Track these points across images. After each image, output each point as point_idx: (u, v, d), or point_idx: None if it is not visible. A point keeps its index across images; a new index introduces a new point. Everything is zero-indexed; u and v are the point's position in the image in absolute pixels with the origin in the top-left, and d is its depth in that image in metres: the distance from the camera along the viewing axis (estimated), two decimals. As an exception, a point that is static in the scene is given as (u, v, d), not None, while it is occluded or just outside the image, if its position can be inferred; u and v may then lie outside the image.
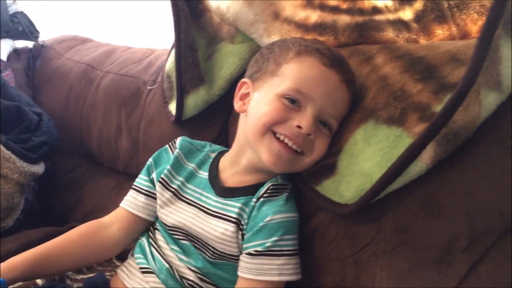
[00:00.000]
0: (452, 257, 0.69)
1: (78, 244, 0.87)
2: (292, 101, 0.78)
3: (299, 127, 0.77)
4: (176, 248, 0.84)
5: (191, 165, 0.90)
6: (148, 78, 1.23)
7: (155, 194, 0.89)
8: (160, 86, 1.18)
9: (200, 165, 0.90)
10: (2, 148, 1.07)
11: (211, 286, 0.80)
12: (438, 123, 0.65)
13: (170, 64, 1.11)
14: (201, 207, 0.84)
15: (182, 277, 0.80)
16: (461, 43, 0.81)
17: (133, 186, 0.93)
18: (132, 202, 0.91)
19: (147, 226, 0.92)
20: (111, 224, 0.90)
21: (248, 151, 0.83)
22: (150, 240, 0.88)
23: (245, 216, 0.79)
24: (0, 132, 1.09)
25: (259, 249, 0.76)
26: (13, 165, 1.09)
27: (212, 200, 0.83)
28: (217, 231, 0.80)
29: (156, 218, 0.91)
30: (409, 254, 0.73)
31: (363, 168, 0.75)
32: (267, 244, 0.75)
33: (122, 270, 0.87)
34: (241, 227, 0.79)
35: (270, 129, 0.78)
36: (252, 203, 0.79)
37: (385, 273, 0.74)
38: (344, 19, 0.93)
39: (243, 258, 0.78)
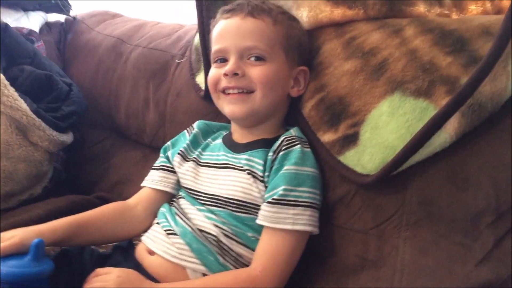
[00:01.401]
0: (478, 231, 0.69)
1: (110, 219, 0.91)
2: (222, 60, 0.88)
3: (226, 75, 0.85)
4: (202, 208, 0.86)
5: (206, 141, 0.98)
6: (177, 52, 1.24)
7: (170, 168, 0.96)
8: (188, 59, 1.18)
9: (214, 138, 0.99)
10: (33, 116, 1.09)
11: (236, 242, 0.82)
12: (463, 93, 0.65)
13: (198, 37, 1.12)
14: (216, 165, 0.90)
15: (206, 235, 0.82)
16: (495, 17, 0.80)
17: (152, 168, 1.00)
18: (149, 179, 0.98)
19: (168, 199, 0.96)
20: (135, 205, 0.95)
21: None
22: (173, 208, 0.90)
23: (260, 167, 0.83)
24: (31, 100, 1.11)
25: (275, 197, 0.78)
26: (43, 133, 1.12)
27: (226, 156, 0.90)
28: (233, 180, 0.85)
29: (175, 190, 0.96)
30: (434, 227, 0.72)
31: (386, 141, 0.74)
32: (281, 193, 0.78)
33: (146, 236, 0.89)
34: (260, 178, 0.83)
35: (218, 91, 0.89)
36: (270, 157, 0.83)
37: (409, 245, 0.74)
38: (375, -8, 0.92)
39: (262, 206, 0.80)
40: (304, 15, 0.96)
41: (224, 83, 0.87)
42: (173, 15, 1.63)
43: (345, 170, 0.80)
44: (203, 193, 0.88)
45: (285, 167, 0.80)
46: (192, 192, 0.90)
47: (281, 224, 0.77)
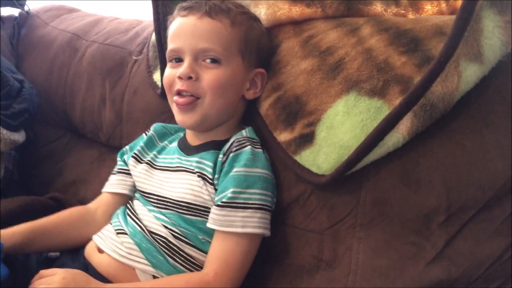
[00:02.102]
0: (430, 230, 0.69)
1: (70, 223, 0.90)
2: (177, 60, 0.86)
3: (180, 77, 0.83)
4: (153, 209, 0.85)
5: (163, 143, 0.97)
6: (134, 49, 1.21)
7: (128, 170, 0.95)
8: (145, 56, 1.16)
9: (171, 141, 0.97)
10: (-19, 113, 1.05)
11: (186, 244, 0.80)
12: (415, 93, 0.65)
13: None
14: (170, 168, 0.88)
15: (154, 236, 0.81)
16: (449, 17, 0.80)
17: (111, 173, 0.99)
18: (108, 184, 0.97)
19: (127, 202, 0.94)
20: (95, 209, 0.94)
21: None
22: (126, 209, 0.89)
23: (210, 170, 0.82)
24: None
25: (224, 200, 0.77)
26: (-7, 132, 1.08)
27: (179, 159, 0.88)
28: (184, 183, 0.83)
29: (133, 192, 0.94)
30: (387, 227, 0.72)
31: (341, 140, 0.74)
32: (230, 195, 0.76)
33: (97, 235, 0.87)
34: (210, 181, 0.81)
35: (172, 93, 0.86)
36: (220, 159, 0.82)
37: (362, 245, 0.74)
38: (332, -9, 0.92)
39: (212, 209, 0.79)
40: (262, 12, 0.95)
41: (177, 85, 0.84)
42: (132, 11, 1.59)
43: (300, 170, 0.79)
44: (154, 194, 0.87)
45: (235, 169, 0.78)
46: (145, 193, 0.89)
47: (231, 228, 0.76)
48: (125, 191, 0.94)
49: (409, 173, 0.70)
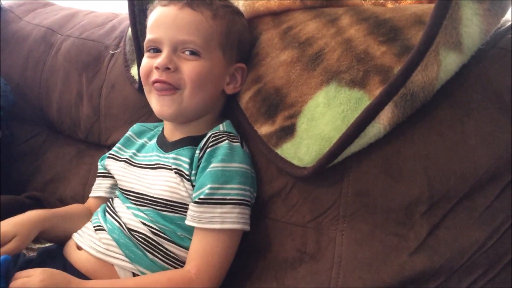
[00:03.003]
0: (412, 220, 0.69)
1: (78, 216, 0.92)
2: (155, 50, 0.83)
3: (157, 68, 0.81)
4: (131, 206, 0.84)
5: (142, 140, 0.96)
6: (111, 43, 1.19)
7: (105, 173, 0.96)
8: (122, 50, 1.14)
9: (150, 138, 0.96)
10: (-46, 112, 1.02)
11: (165, 240, 0.79)
12: (396, 83, 0.65)
13: (132, 27, 1.07)
14: (149, 166, 0.87)
15: (133, 232, 0.80)
16: (427, 6, 0.80)
17: (96, 177, 0.99)
18: (94, 189, 0.97)
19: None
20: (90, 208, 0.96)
21: None
22: (106, 207, 0.89)
23: (186, 166, 0.81)
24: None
25: (202, 196, 0.76)
26: (-34, 130, 1.05)
27: (158, 157, 0.87)
28: (161, 179, 0.82)
29: (109, 193, 0.95)
30: (370, 218, 0.72)
31: (322, 132, 0.73)
32: (208, 192, 0.75)
33: (76, 233, 0.86)
34: (187, 177, 0.80)
35: (149, 84, 0.84)
36: (197, 155, 0.80)
37: (345, 237, 0.74)
38: (311, -19, 0.91)
39: (190, 206, 0.78)
40: (241, 3, 0.94)
41: (155, 75, 0.82)
42: (107, 4, 1.56)
43: (282, 163, 0.78)
44: (132, 192, 0.86)
45: (212, 165, 0.77)
46: (124, 191, 0.88)
47: (209, 224, 0.75)
48: (101, 193, 0.95)
49: (391, 164, 0.70)
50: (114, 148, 0.95)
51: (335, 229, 0.75)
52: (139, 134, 0.97)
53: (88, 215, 0.92)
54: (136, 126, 1.00)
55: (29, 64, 1.28)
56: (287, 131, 0.78)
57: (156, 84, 0.82)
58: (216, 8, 0.84)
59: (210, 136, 0.81)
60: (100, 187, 0.96)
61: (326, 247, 0.75)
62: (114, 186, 0.94)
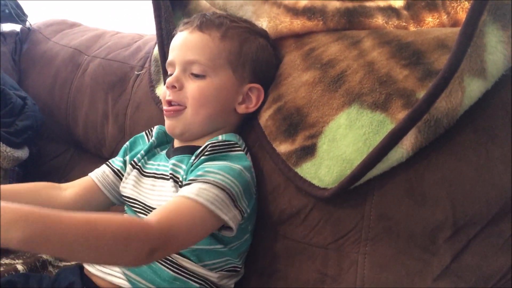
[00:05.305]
0: (436, 245, 0.68)
1: (27, 195, 0.86)
2: (172, 74, 0.87)
3: (167, 87, 0.86)
4: (139, 215, 0.85)
5: (156, 149, 0.95)
6: (136, 64, 1.21)
7: (122, 176, 0.93)
8: (147, 71, 1.16)
9: (163, 148, 0.96)
10: (-15, 131, 1.05)
11: None
12: (420, 109, 0.65)
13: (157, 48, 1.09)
14: (156, 175, 0.88)
15: None
16: (450, 29, 0.80)
17: (107, 162, 0.96)
18: (100, 174, 0.94)
19: (104, 204, 0.93)
20: (66, 187, 0.91)
21: None
22: None
23: (181, 172, 0.81)
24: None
25: (190, 178, 0.75)
26: (-4, 149, 1.08)
27: (164, 166, 0.87)
28: (161, 190, 0.84)
29: (116, 199, 0.93)
30: (393, 242, 0.72)
31: (344, 154, 0.74)
32: (196, 174, 0.74)
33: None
34: (180, 183, 0.80)
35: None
36: (191, 161, 0.80)
37: (368, 260, 0.73)
38: (334, 4, 0.92)
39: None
40: (264, 25, 0.95)
41: (167, 96, 0.87)
42: (133, 24, 1.60)
43: (301, 183, 0.79)
44: (134, 200, 0.87)
45: (204, 163, 0.77)
46: (126, 199, 0.89)
47: (186, 193, 0.72)
48: (110, 196, 0.92)
49: (414, 188, 0.70)
50: (138, 156, 0.92)
51: (357, 252, 0.75)
52: (160, 144, 0.96)
53: (51, 192, 0.89)
54: (159, 131, 0.97)
55: (56, 84, 1.32)
56: (308, 151, 0.79)
57: (165, 107, 0.87)
58: (225, 29, 0.87)
59: (207, 145, 0.80)
60: (109, 184, 0.93)
61: (348, 270, 0.75)
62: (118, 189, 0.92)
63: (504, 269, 0.64)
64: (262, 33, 0.92)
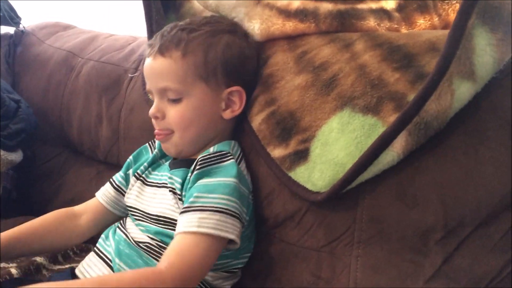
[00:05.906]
0: (428, 247, 0.69)
1: (48, 229, 0.91)
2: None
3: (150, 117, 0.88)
4: (139, 222, 0.86)
5: (161, 160, 0.96)
6: (130, 66, 1.21)
7: (125, 191, 0.94)
8: (141, 73, 1.16)
9: (168, 159, 0.95)
10: (-22, 135, 1.05)
11: None
12: (410, 112, 0.65)
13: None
14: (158, 185, 0.89)
15: (139, 243, 0.82)
16: (441, 32, 0.80)
17: (110, 179, 0.98)
18: (104, 194, 0.97)
19: (115, 219, 0.96)
20: (80, 214, 0.95)
21: None
22: (118, 224, 0.91)
23: (178, 186, 0.82)
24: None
25: (185, 205, 0.76)
26: (-10, 153, 1.08)
27: (166, 176, 0.88)
28: (162, 198, 0.85)
29: (122, 212, 0.96)
30: (385, 244, 0.72)
31: (336, 157, 0.74)
32: (191, 200, 0.75)
33: (78, 269, 0.87)
34: (179, 197, 0.81)
35: None
36: (188, 177, 0.81)
37: (361, 263, 0.74)
38: (326, 6, 0.92)
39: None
40: (256, 27, 0.95)
41: (154, 124, 0.89)
42: (127, 26, 1.60)
43: (295, 187, 0.79)
44: (137, 209, 0.88)
45: (198, 182, 0.78)
46: (129, 208, 0.90)
47: (187, 228, 0.73)
48: (118, 212, 0.96)
49: (405, 190, 0.70)
50: (141, 168, 0.94)
51: (350, 254, 0.75)
52: (164, 155, 0.96)
53: (69, 224, 0.93)
54: None
55: (50, 87, 1.32)
56: (301, 155, 0.79)
57: (156, 132, 0.88)
58: (185, 45, 0.84)
59: (198, 160, 0.81)
60: (113, 201, 0.96)
61: (341, 272, 0.75)
62: (118, 202, 0.95)
63: (495, 270, 0.65)
64: (227, 29, 0.90)
